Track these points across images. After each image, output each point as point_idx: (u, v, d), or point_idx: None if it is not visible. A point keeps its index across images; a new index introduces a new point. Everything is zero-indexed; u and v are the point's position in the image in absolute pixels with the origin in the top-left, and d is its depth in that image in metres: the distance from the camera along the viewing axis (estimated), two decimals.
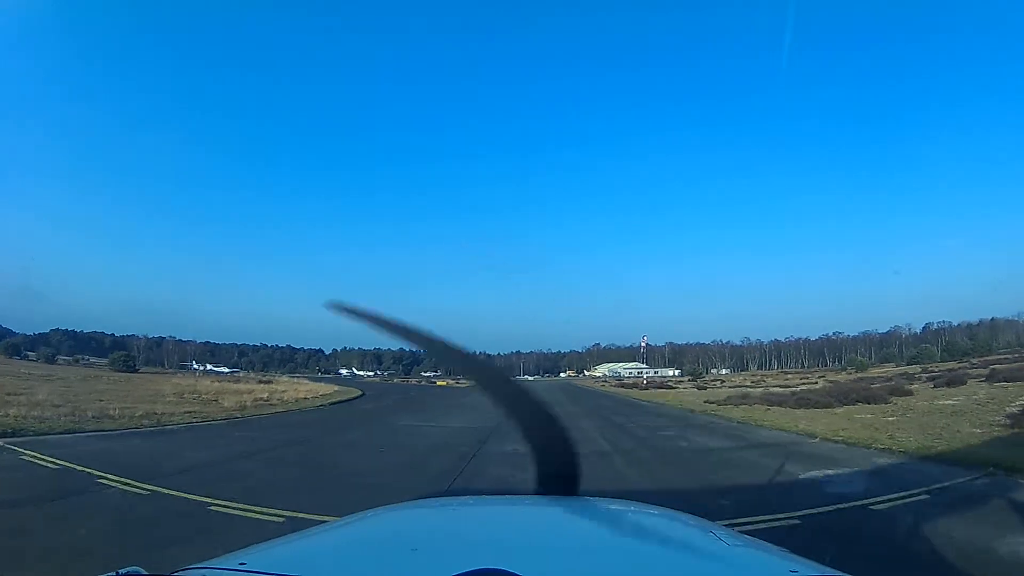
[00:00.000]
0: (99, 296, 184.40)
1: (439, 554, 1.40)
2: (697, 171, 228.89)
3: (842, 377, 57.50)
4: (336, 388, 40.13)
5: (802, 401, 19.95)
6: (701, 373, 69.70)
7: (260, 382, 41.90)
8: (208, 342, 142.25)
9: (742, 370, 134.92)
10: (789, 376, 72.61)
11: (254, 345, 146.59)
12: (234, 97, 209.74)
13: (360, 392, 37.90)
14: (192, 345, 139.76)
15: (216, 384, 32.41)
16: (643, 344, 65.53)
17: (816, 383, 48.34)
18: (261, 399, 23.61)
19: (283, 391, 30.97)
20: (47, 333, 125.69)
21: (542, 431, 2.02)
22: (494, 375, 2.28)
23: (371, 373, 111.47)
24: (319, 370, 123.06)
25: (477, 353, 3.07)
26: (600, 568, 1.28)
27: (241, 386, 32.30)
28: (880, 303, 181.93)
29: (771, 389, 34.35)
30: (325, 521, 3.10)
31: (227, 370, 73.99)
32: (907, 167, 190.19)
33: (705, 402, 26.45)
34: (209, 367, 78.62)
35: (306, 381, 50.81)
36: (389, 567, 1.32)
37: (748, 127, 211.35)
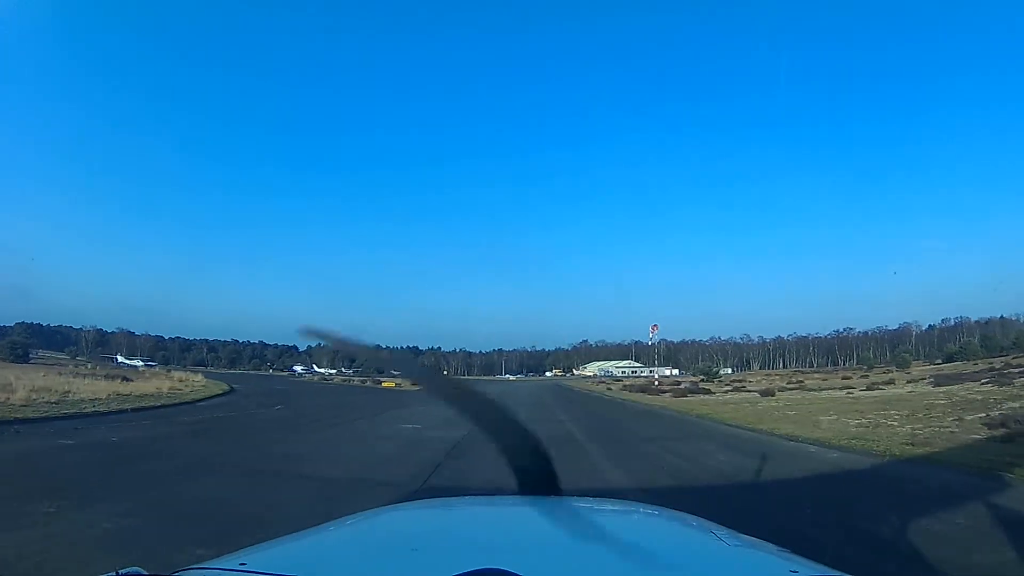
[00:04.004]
0: (75, 293, 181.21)
1: (439, 554, 1.40)
2: (689, 167, 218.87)
3: (890, 376, 46.37)
4: (204, 385, 28.10)
5: None
6: (716, 373, 57.60)
7: (123, 379, 33.63)
8: (178, 337, 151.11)
9: (744, 369, 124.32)
10: (816, 376, 60.64)
11: (224, 341, 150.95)
12: (217, 97, 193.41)
13: (227, 388, 25.48)
14: (143, 339, 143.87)
15: (65, 379, 25.34)
16: (652, 334, 53.96)
17: (893, 382, 36.17)
18: None
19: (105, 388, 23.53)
20: (11, 326, 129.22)
21: (510, 437, 1.94)
22: (456, 390, 2.17)
23: (333, 371, 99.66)
24: (271, 367, 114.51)
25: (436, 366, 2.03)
26: (600, 568, 1.27)
27: (101, 384, 25.91)
28: (883, 300, 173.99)
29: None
30: None
31: (140, 363, 69.30)
32: (912, 165, 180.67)
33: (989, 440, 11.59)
34: (121, 359, 74.65)
35: (201, 376, 41.10)
36: (389, 567, 1.31)
37: (744, 123, 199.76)
